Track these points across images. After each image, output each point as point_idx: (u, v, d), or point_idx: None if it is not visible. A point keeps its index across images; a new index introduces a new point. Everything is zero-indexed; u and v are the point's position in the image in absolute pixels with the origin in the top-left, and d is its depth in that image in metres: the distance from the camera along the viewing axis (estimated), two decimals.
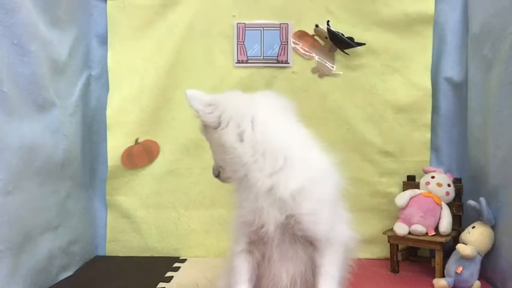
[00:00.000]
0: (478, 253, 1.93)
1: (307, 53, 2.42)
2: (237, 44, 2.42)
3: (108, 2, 2.39)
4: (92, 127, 2.43)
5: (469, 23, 2.24)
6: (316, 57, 2.41)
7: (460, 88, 2.34)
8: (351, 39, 2.36)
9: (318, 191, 1.35)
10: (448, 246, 2.09)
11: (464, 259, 1.92)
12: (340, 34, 2.37)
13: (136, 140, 2.41)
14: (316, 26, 2.39)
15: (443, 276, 1.98)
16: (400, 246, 2.18)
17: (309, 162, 1.37)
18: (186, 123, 2.34)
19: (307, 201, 1.32)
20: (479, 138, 2.13)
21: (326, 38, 2.39)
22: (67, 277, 2.10)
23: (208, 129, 1.41)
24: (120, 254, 2.42)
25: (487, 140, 2.03)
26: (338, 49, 2.39)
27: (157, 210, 2.43)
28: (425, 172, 2.27)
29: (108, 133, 2.40)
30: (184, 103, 2.44)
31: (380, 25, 2.36)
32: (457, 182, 2.25)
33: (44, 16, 1.93)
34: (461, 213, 2.23)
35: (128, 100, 2.40)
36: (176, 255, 2.41)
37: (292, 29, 2.41)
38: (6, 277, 1.63)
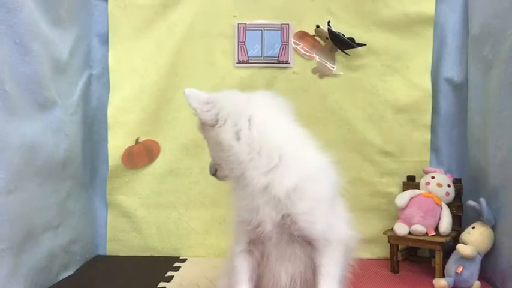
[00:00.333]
0: (478, 253, 1.93)
1: (307, 54, 2.42)
2: (238, 44, 2.42)
3: (109, 1, 2.39)
4: (93, 127, 2.43)
5: (469, 24, 2.25)
6: (317, 58, 2.42)
7: (460, 89, 2.35)
8: (352, 39, 2.37)
9: (313, 190, 1.35)
10: (448, 247, 2.10)
11: (465, 259, 1.92)
12: (341, 34, 2.37)
13: (137, 140, 2.41)
14: (317, 26, 2.39)
15: (443, 276, 1.98)
16: (400, 246, 2.19)
17: (304, 161, 1.37)
18: (187, 123, 2.34)
19: (302, 200, 1.33)
20: (479, 139, 2.13)
21: (327, 38, 2.40)
22: (67, 276, 2.10)
23: (206, 127, 1.41)
24: (121, 254, 2.42)
25: (487, 140, 2.03)
26: (338, 49, 2.40)
27: (158, 209, 2.43)
28: (426, 172, 2.28)
29: (109, 133, 2.40)
30: (184, 103, 2.44)
31: (380, 26, 2.36)
32: (457, 182, 2.26)
33: (46, 15, 1.93)
34: (461, 214, 2.23)
35: (129, 100, 2.40)
36: (176, 255, 2.41)
37: (293, 30, 2.42)
38: (7, 276, 1.63)
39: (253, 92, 1.49)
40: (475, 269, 1.92)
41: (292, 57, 2.42)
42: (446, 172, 2.29)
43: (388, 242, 2.17)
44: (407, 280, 2.08)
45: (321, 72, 2.42)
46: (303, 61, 2.42)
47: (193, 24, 2.41)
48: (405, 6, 2.33)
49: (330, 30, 2.38)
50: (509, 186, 1.87)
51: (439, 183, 2.19)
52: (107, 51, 2.41)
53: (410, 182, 2.33)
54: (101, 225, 2.45)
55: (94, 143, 2.43)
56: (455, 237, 2.12)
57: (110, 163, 2.39)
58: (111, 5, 2.40)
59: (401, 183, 2.35)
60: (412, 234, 2.10)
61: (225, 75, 2.40)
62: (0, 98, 1.61)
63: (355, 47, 2.37)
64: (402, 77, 2.37)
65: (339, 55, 2.41)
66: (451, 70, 2.37)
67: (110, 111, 2.39)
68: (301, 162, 1.36)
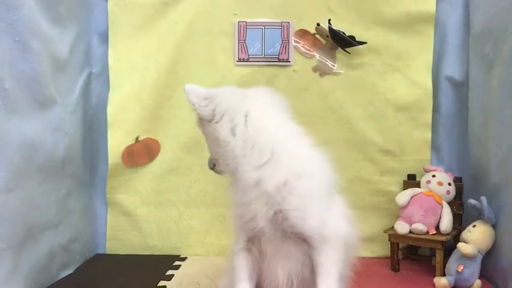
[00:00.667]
0: (479, 252, 1.93)
1: (308, 52, 2.42)
2: (238, 43, 2.41)
3: None
4: (93, 125, 2.42)
5: (471, 22, 2.24)
6: (317, 56, 2.41)
7: (461, 87, 2.34)
8: (352, 37, 2.36)
9: (304, 186, 1.36)
10: (449, 245, 2.09)
11: (465, 258, 1.92)
12: (342, 33, 2.37)
13: (137, 138, 2.41)
14: (318, 24, 2.39)
15: (444, 275, 1.98)
16: (400, 245, 2.19)
17: (296, 157, 1.38)
18: (187, 121, 2.34)
19: (292, 196, 1.34)
20: (480, 138, 2.13)
21: (327, 36, 2.39)
22: (67, 275, 2.10)
23: (204, 122, 1.44)
24: (121, 252, 2.42)
25: (488, 139, 2.03)
26: (339, 48, 2.39)
27: (158, 208, 2.43)
28: (426, 171, 2.27)
29: (109, 131, 2.39)
30: (185, 101, 2.43)
31: (381, 24, 2.36)
32: (457, 181, 2.26)
33: (46, 13, 1.92)
34: (461, 212, 2.23)
35: (129, 98, 2.39)
36: (176, 253, 2.41)
37: (294, 28, 2.41)
38: (7, 275, 1.63)
39: (251, 88, 1.50)
40: (475, 267, 1.92)
41: (293, 56, 2.41)
42: (446, 171, 2.29)
43: (389, 240, 2.17)
44: (408, 279, 2.08)
45: (321, 71, 2.41)
46: (303, 59, 2.42)
47: (193, 23, 2.40)
48: (406, 4, 2.33)
49: (330, 28, 2.37)
50: (510, 184, 1.86)
51: (439, 182, 2.19)
52: (107, 49, 2.41)
53: (411, 181, 2.33)
54: (101, 223, 2.45)
55: (94, 141, 2.43)
56: (455, 235, 2.12)
57: (109, 161, 2.38)
58: (111, 3, 2.39)
59: (402, 181, 2.35)
60: (413, 233, 2.10)
61: (225, 74, 2.40)
62: (0, 96, 1.60)
63: (356, 45, 2.36)
64: (403, 75, 2.37)
65: (340, 53, 2.40)
66: (452, 69, 2.36)
67: (110, 109, 2.39)
68: (293, 158, 1.38)
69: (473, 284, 1.91)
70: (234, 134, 1.37)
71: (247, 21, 2.41)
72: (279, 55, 2.41)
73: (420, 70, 2.36)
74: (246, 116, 1.39)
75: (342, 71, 2.40)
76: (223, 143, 1.39)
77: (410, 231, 2.11)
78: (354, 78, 2.39)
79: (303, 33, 2.42)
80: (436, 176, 2.21)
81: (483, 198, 1.94)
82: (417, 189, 2.22)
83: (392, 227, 2.17)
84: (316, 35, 2.42)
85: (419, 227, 2.08)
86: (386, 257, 2.23)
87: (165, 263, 2.25)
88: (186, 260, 2.33)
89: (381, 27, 2.36)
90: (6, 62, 1.63)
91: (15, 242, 1.68)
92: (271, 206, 1.35)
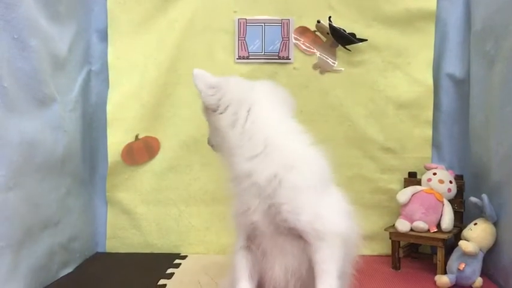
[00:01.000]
0: (480, 250, 1.92)
1: (308, 49, 2.41)
2: (238, 40, 2.40)
3: None
4: (92, 123, 2.41)
5: (472, 19, 2.23)
6: (318, 53, 2.40)
7: (462, 85, 2.33)
8: (353, 35, 2.35)
9: (294, 179, 1.35)
10: (450, 243, 2.09)
11: (467, 256, 1.91)
12: (342, 30, 2.36)
13: (137, 136, 2.40)
14: (318, 21, 2.38)
15: (445, 273, 1.98)
16: (401, 243, 2.18)
17: (288, 150, 1.39)
18: (187, 120, 2.33)
19: (282, 189, 1.34)
20: (481, 135, 2.12)
21: (328, 33, 2.38)
22: (67, 274, 2.09)
23: (208, 111, 1.45)
24: (121, 251, 2.41)
25: (489, 136, 2.02)
26: (340, 45, 2.38)
27: (158, 206, 2.42)
28: (427, 169, 2.27)
29: (108, 129, 2.38)
30: (185, 99, 2.43)
31: (382, 21, 2.35)
32: (458, 178, 2.25)
33: (45, 11, 1.91)
34: (463, 210, 2.22)
35: (128, 96, 2.38)
36: (176, 251, 2.40)
37: (294, 25, 2.40)
38: (6, 274, 1.62)
39: (258, 82, 1.51)
40: (477, 265, 1.92)
41: (293, 53, 2.40)
42: (447, 168, 2.28)
43: (390, 238, 2.17)
44: (409, 277, 2.07)
45: (322, 68, 2.40)
46: (303, 57, 2.41)
47: (193, 20, 2.39)
48: (407, 1, 2.32)
49: (331, 26, 2.36)
50: (511, 182, 1.86)
51: (440, 180, 2.18)
52: (106, 47, 2.39)
53: (412, 179, 2.32)
54: (101, 222, 2.44)
55: (93, 139, 2.42)
56: (457, 233, 2.12)
57: (109, 160, 2.38)
58: (111, 0, 2.37)
59: (403, 179, 2.34)
60: (414, 231, 2.10)
61: (225, 71, 2.36)
62: None
63: (357, 43, 2.35)
64: (403, 72, 2.36)
65: (340, 51, 2.39)
66: (452, 66, 2.35)
67: (110, 107, 2.38)
68: (285, 151, 1.38)
69: (474, 282, 1.91)
70: (234, 126, 1.40)
71: (247, 18, 2.40)
72: (279, 52, 2.40)
73: (421, 67, 2.35)
74: (249, 110, 1.40)
75: (343, 69, 2.40)
76: (223, 133, 1.42)
77: (411, 229, 2.10)
78: (354, 75, 2.38)
79: (303, 31, 2.41)
80: (437, 173, 2.21)
81: (484, 196, 1.94)
82: (418, 187, 2.21)
83: (393, 225, 2.16)
84: (316, 33, 2.41)
85: (420, 225, 2.08)
86: (387, 255, 2.23)
87: (165, 262, 2.25)
88: (186, 259, 2.32)
89: (382, 24, 2.35)
90: (4, 59, 1.62)
91: (14, 240, 1.67)
92: (263, 199, 1.35)
